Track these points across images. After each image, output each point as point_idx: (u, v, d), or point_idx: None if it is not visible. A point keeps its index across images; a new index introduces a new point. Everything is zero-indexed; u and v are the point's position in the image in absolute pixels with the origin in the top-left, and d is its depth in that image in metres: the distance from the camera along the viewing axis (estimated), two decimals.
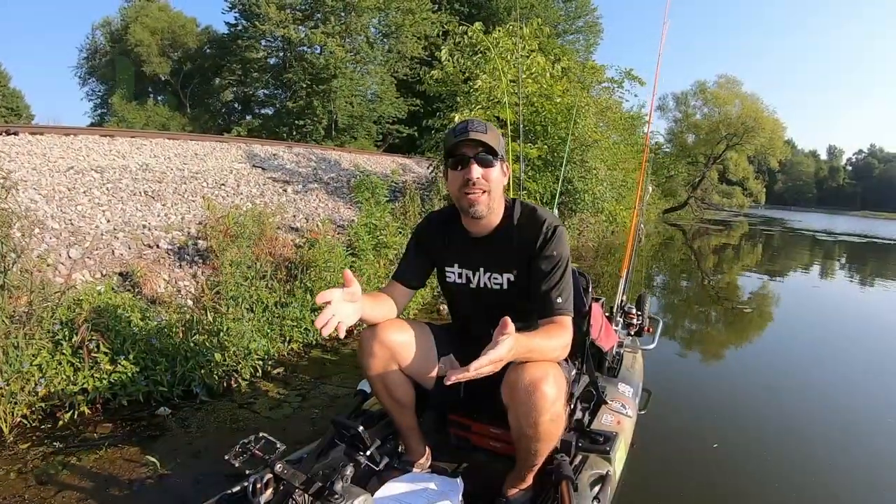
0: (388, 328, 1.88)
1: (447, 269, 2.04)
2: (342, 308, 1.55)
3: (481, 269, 1.96)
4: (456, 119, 7.98)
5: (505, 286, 1.93)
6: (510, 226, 1.91)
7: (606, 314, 3.34)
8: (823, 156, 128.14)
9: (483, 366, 1.39)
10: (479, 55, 8.61)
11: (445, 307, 5.64)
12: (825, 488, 2.86)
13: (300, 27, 24.30)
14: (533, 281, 1.84)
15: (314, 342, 4.45)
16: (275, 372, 3.86)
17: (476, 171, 1.78)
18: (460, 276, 2.01)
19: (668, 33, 4.63)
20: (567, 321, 1.79)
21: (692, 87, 34.25)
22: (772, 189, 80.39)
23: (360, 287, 1.63)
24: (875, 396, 4.40)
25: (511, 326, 1.43)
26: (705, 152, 34.23)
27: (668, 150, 32.24)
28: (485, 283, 1.96)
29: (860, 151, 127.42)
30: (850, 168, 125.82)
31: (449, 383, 1.40)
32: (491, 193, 1.82)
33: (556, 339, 1.72)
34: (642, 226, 4.50)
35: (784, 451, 3.21)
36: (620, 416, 2.53)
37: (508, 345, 1.42)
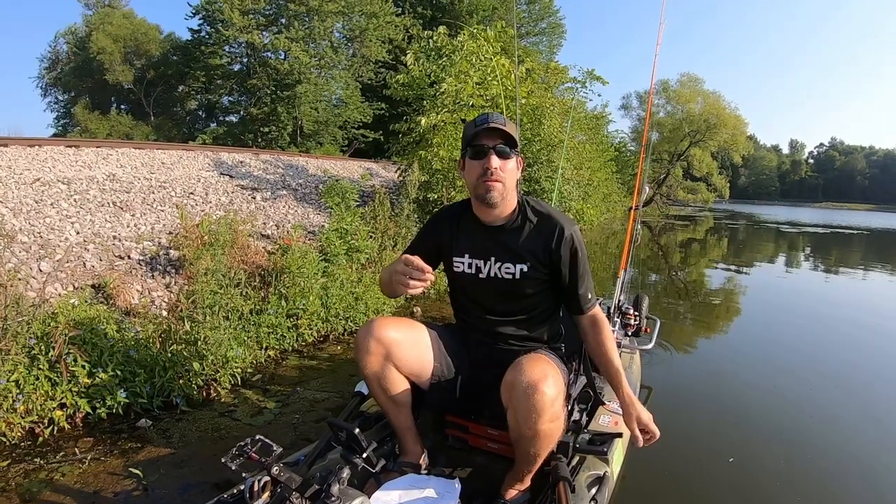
0: (384, 325, 1.89)
1: (455, 258, 2.06)
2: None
3: (493, 259, 1.99)
4: (423, 123, 8.04)
5: (517, 276, 1.96)
6: (525, 219, 1.98)
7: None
8: (785, 150, 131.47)
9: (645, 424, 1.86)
10: (445, 59, 8.69)
11: (419, 310, 5.73)
12: (820, 484, 2.89)
13: (264, 32, 24.02)
14: (568, 284, 1.99)
15: (290, 348, 4.47)
16: (254, 379, 3.87)
17: (494, 161, 1.86)
18: (470, 265, 2.03)
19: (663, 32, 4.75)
20: (600, 311, 2.03)
21: (655, 85, 34.78)
22: (735, 184, 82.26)
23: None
24: (871, 395, 4.40)
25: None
26: (669, 150, 34.86)
27: (633, 148, 32.73)
28: (495, 273, 1.99)
29: (821, 145, 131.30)
30: (811, 161, 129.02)
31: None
32: (506, 184, 1.89)
33: (612, 338, 1.99)
34: (639, 226, 4.53)
35: (779, 450, 3.22)
36: (618, 416, 2.49)
37: (640, 406, 1.88)
